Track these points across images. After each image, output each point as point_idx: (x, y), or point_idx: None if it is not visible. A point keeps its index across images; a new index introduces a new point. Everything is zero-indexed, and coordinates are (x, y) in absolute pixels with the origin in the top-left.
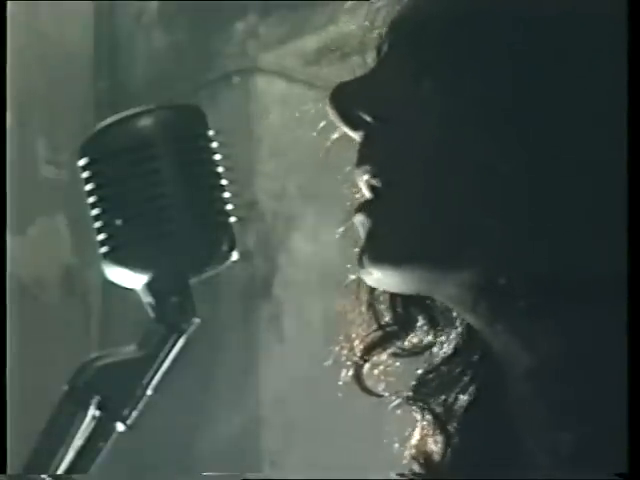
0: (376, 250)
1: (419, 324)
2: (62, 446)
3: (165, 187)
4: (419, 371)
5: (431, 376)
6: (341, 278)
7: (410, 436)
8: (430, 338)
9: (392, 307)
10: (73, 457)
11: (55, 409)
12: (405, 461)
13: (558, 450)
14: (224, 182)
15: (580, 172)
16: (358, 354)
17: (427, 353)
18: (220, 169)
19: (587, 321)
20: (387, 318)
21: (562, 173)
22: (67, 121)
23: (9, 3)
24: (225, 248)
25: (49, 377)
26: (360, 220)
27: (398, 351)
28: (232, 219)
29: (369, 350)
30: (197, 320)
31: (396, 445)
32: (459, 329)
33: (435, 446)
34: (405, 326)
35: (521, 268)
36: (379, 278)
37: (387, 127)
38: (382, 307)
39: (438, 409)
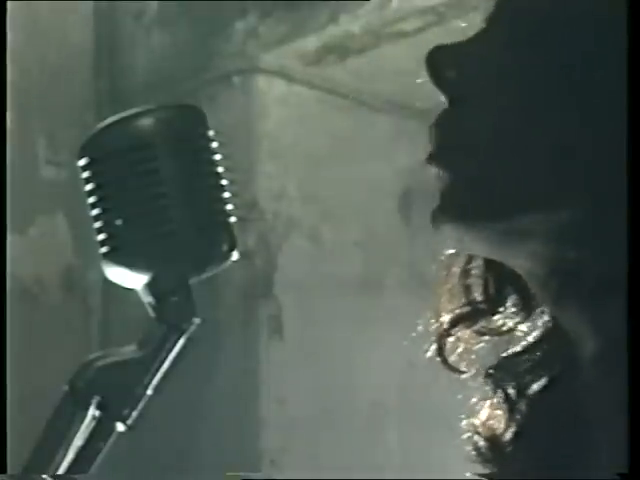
0: (448, 207)
1: (508, 304)
2: (62, 446)
3: (165, 187)
4: (505, 353)
5: (515, 360)
6: (341, 278)
7: (478, 409)
8: (518, 320)
9: (484, 285)
10: (73, 457)
11: (55, 409)
12: (468, 434)
13: (622, 441)
14: (224, 182)
15: None
16: (444, 327)
17: (509, 336)
18: (220, 169)
19: None
20: (477, 295)
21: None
22: (67, 121)
23: (9, 3)
24: (225, 248)
25: (49, 377)
26: (435, 172)
27: (483, 329)
28: (232, 219)
29: (455, 324)
30: (197, 320)
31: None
32: (546, 317)
33: (501, 424)
34: (494, 305)
35: (592, 245)
36: (452, 236)
37: (475, 93)
38: (474, 283)
39: (510, 390)
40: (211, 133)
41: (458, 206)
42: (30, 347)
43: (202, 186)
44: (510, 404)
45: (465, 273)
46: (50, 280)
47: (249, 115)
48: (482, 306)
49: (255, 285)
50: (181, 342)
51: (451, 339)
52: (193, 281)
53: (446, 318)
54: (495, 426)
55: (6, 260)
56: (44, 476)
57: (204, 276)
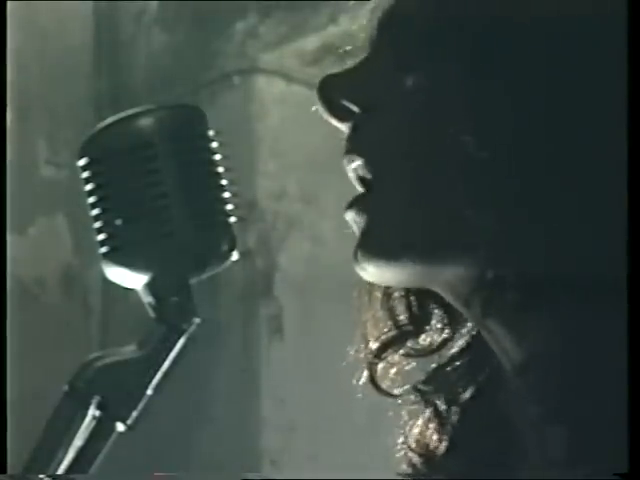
0: (368, 246)
1: (433, 322)
2: (62, 446)
3: (165, 187)
4: (433, 365)
5: (443, 371)
6: (342, 278)
7: (410, 426)
8: (445, 336)
9: (407, 305)
10: (73, 457)
11: (55, 409)
12: (402, 451)
13: (548, 447)
14: (224, 182)
15: (575, 167)
16: (372, 354)
17: (438, 354)
18: (220, 169)
19: (581, 317)
20: (401, 317)
21: (553, 167)
22: (67, 121)
23: (9, 3)
24: (225, 248)
25: (49, 377)
26: (352, 217)
27: (411, 351)
28: (232, 219)
29: (383, 350)
30: (197, 320)
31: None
32: (470, 326)
33: (434, 439)
34: (420, 324)
35: (511, 261)
36: (374, 273)
37: (373, 118)
38: (396, 305)
39: (440, 403)
40: (211, 133)
41: (377, 244)
42: (30, 347)
43: (202, 186)
44: (441, 417)
45: (387, 297)
46: (50, 280)
47: (249, 115)
48: (408, 327)
49: (255, 285)
50: (181, 342)
51: (382, 364)
52: (193, 281)
53: (374, 344)
54: (428, 441)
55: (6, 260)
56: (44, 476)
57: (204, 276)
